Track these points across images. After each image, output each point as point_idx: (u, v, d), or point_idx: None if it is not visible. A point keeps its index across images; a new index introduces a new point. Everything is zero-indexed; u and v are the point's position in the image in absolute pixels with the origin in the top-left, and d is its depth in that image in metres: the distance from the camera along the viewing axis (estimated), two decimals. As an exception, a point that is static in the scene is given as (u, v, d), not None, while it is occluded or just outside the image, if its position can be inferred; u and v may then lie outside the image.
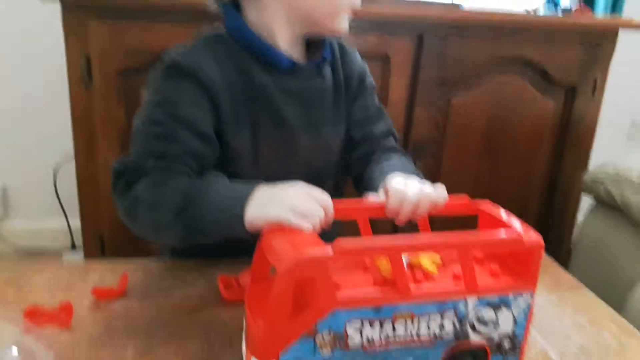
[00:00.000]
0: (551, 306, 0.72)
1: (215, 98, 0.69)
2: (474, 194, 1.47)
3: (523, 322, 0.54)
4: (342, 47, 0.83)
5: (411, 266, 0.54)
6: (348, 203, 0.62)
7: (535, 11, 1.51)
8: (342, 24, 0.74)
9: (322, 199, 0.56)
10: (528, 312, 0.54)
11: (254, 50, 0.72)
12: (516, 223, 0.56)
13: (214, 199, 0.60)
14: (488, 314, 0.52)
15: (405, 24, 1.32)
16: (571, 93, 1.46)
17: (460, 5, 1.44)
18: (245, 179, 0.62)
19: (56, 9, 1.15)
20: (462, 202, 0.63)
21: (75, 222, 1.47)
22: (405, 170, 0.72)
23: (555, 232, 1.60)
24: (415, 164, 0.83)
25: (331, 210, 0.56)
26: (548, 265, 0.83)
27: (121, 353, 0.56)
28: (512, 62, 1.40)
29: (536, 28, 1.39)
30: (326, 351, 0.48)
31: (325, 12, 0.73)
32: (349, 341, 0.48)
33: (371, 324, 0.49)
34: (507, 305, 0.53)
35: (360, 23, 1.27)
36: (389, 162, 0.78)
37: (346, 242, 0.47)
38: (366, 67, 0.87)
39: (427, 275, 0.53)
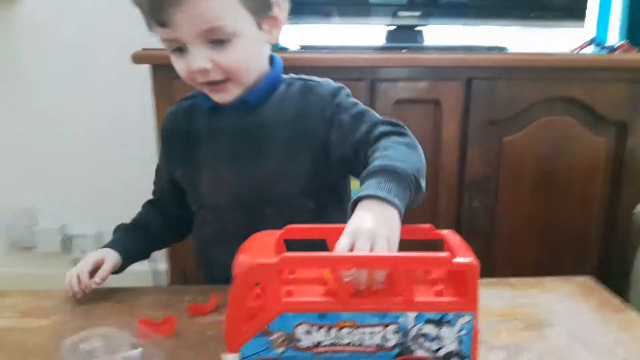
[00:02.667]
0: (596, 325, 0.77)
1: (166, 143, 0.95)
2: (531, 230, 1.54)
3: (468, 342, 0.58)
4: (305, 86, 0.87)
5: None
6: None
7: (579, 51, 1.57)
8: (214, 97, 0.83)
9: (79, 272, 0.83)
10: (472, 332, 0.58)
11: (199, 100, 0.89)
12: (461, 248, 0.60)
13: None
14: (430, 329, 0.58)
15: (453, 69, 1.42)
16: (623, 129, 1.48)
17: (505, 48, 1.53)
18: (199, 203, 0.92)
19: (146, 70, 1.33)
20: (427, 229, 0.68)
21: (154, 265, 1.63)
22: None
23: (617, 265, 1.59)
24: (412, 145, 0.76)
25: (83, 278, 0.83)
26: (595, 290, 0.88)
27: (216, 356, 0.67)
28: (560, 100, 1.45)
29: (582, 67, 1.44)
30: (280, 350, 0.57)
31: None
32: (299, 343, 0.57)
33: (318, 328, 0.57)
34: (449, 323, 0.58)
35: (411, 71, 1.40)
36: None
37: (290, 254, 0.57)
38: (335, 91, 0.86)
39: (374, 290, 0.60)
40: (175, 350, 0.68)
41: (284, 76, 0.89)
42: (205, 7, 0.74)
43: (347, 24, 1.62)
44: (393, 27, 1.58)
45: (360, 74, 1.40)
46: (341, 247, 0.59)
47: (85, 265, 0.84)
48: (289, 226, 0.67)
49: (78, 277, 0.83)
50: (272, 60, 0.89)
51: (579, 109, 1.47)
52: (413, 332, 0.58)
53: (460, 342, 0.58)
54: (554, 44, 1.78)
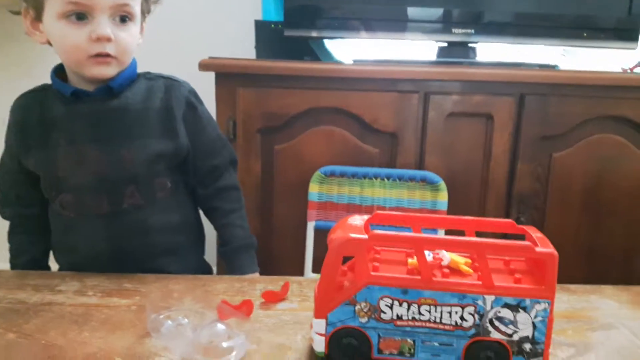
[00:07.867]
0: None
1: (18, 135, 0.96)
2: (577, 247, 1.55)
3: (543, 329, 0.61)
4: (169, 83, 1.00)
5: (449, 267, 0.65)
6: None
7: (630, 71, 1.59)
8: (93, 71, 0.90)
9: None
10: (547, 319, 0.60)
11: (56, 88, 0.95)
12: (542, 241, 0.63)
13: None
14: (506, 313, 0.61)
15: (506, 85, 1.44)
16: (674, 149, 1.48)
17: (557, 66, 1.56)
18: (57, 187, 0.94)
19: (210, 77, 1.39)
20: (509, 223, 0.71)
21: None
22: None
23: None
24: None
25: None
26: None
27: (292, 337, 0.71)
28: (611, 119, 1.47)
29: (633, 87, 1.45)
30: (363, 319, 0.61)
31: (73, 63, 0.91)
32: (382, 314, 0.61)
33: (400, 303, 0.61)
34: (525, 308, 0.60)
35: (466, 85, 1.44)
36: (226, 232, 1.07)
37: (380, 232, 0.61)
38: (194, 94, 1.02)
39: (455, 272, 0.64)
40: (254, 332, 0.72)
41: (141, 72, 1.00)
42: None
43: (398, 39, 1.67)
44: (444, 44, 1.62)
45: (414, 86, 1.44)
46: None
47: None
48: (377, 212, 0.71)
49: None
50: None
51: (630, 128, 1.49)
52: (490, 315, 0.61)
53: (535, 328, 0.61)
54: (605, 64, 1.79)
